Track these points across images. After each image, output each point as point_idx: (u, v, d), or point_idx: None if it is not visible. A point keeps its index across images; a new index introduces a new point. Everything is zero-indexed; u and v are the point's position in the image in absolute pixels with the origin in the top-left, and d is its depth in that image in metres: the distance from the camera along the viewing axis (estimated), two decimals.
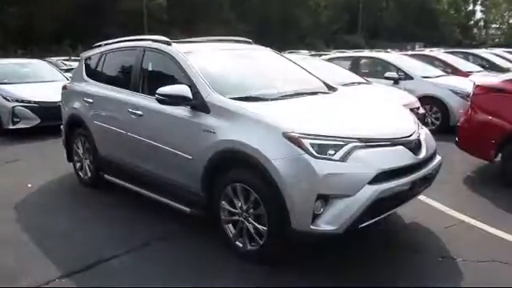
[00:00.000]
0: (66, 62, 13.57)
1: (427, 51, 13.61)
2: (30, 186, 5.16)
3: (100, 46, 5.13)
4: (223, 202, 3.28)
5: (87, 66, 5.06)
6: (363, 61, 9.16)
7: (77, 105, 4.90)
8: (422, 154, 3.14)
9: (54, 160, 6.38)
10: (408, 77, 7.97)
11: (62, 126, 5.51)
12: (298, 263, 3.19)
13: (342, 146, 2.80)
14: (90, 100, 4.65)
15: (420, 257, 3.25)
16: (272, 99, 3.47)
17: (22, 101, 8.03)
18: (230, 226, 3.28)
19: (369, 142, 2.89)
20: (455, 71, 9.58)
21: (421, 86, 7.70)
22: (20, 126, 8.01)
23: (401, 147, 3.01)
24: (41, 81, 8.94)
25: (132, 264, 3.27)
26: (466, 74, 9.34)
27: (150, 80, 4.12)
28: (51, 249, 3.51)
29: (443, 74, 8.72)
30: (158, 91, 3.44)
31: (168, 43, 4.01)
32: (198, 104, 3.40)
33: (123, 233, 3.77)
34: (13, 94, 8.10)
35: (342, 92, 4.08)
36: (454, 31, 72.98)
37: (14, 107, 7.94)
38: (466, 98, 7.28)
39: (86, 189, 5.01)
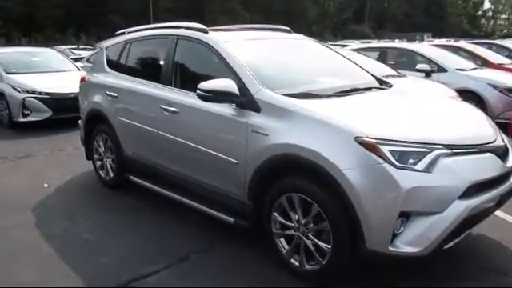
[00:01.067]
0: (74, 51, 13.11)
1: (452, 42, 13.06)
2: (46, 186, 4.78)
3: (123, 33, 4.70)
4: (275, 214, 2.88)
5: (109, 57, 4.64)
6: (391, 52, 8.68)
7: (98, 99, 4.48)
8: (510, 161, 2.72)
9: (69, 156, 6.01)
10: (441, 69, 7.50)
11: (79, 121, 5.11)
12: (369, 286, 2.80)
13: (426, 154, 2.39)
14: (114, 94, 4.23)
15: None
16: (327, 96, 3.05)
17: (33, 92, 7.61)
18: (283, 240, 2.89)
19: (455, 149, 2.47)
20: (486, 63, 9.10)
21: (456, 79, 7.24)
22: (31, 118, 7.60)
23: (489, 154, 2.59)
24: (52, 71, 8.51)
25: (173, 282, 2.88)
26: (498, 66, 8.88)
27: (184, 73, 3.71)
28: (78, 262, 3.12)
29: (476, 66, 8.25)
30: (199, 86, 3.02)
31: (205, 31, 3.58)
32: (246, 101, 2.98)
33: (156, 244, 3.38)
34: (23, 84, 7.68)
35: (399, 88, 3.65)
36: (462, 21, 72.02)
37: (24, 99, 7.53)
38: (506, 93, 6.89)
39: (107, 190, 4.62)
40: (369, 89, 3.45)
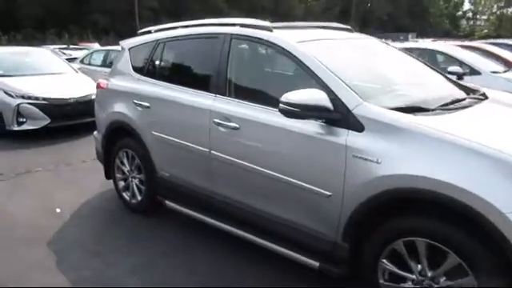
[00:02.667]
0: (64, 51, 12.22)
1: (466, 42, 12.67)
2: (58, 211, 4.07)
3: (148, 32, 4.02)
4: (384, 261, 2.27)
5: (134, 59, 3.94)
6: (417, 53, 8.16)
7: (123, 108, 3.79)
8: None
9: (76, 171, 5.28)
10: (474, 72, 7.02)
11: (95, 133, 4.40)
12: None
13: None
14: (146, 103, 3.55)
15: None
16: (436, 110, 2.45)
17: (29, 97, 6.81)
18: None
19: None
20: (508, 64, 8.68)
21: (492, 82, 6.74)
22: (26, 127, 6.80)
23: None
24: (47, 73, 7.71)
25: None
26: None
27: (243, 80, 3.08)
28: None
29: (506, 68, 7.80)
30: (284, 99, 2.38)
31: (269, 29, 2.94)
32: (341, 117, 2.36)
33: None
34: (17, 88, 6.87)
35: (498, 98, 3.09)
36: (443, 22, 72.77)
37: (18, 105, 6.72)
38: None
39: (135, 216, 3.93)
40: (463, 99, 2.87)
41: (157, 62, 3.68)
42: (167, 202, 3.55)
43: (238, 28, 3.11)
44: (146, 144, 3.59)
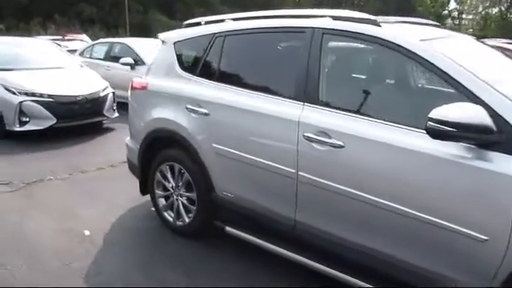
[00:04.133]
0: (59, 43, 11.40)
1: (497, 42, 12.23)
2: (87, 233, 3.45)
3: (197, 24, 3.41)
4: None
5: (181, 55, 3.34)
6: None
7: (170, 114, 3.18)
8: None
9: (95, 180, 4.66)
10: None
11: (128, 141, 3.78)
12: None
13: None
14: (203, 110, 2.95)
15: None
16: None
17: (33, 94, 6.09)
18: None
19: None
20: None
21: None
22: (30, 127, 6.08)
23: None
24: (49, 67, 6.96)
25: None
26: None
27: (342, 86, 2.52)
28: None
29: None
30: (434, 116, 1.83)
31: (375, 23, 2.37)
32: (504, 140, 1.83)
33: None
34: (19, 84, 6.14)
35: None
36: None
37: (21, 103, 6.00)
38: None
39: (179, 240, 3.34)
40: None
41: (215, 60, 3.08)
42: (228, 228, 2.97)
43: (330, 21, 2.54)
44: (202, 158, 3.00)
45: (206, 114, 2.93)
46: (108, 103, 6.85)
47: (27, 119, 6.05)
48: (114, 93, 7.06)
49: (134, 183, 4.26)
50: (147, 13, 39.60)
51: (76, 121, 6.43)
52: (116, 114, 7.12)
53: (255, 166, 2.67)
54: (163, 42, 3.52)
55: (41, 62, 6.98)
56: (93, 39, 22.17)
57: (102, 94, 6.73)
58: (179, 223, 3.35)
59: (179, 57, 3.34)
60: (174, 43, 3.41)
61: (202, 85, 3.05)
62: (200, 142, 2.98)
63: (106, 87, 6.95)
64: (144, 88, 3.47)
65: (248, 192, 2.80)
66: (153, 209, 3.81)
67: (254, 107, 2.68)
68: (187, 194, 3.25)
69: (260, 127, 2.65)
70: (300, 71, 2.54)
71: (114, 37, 28.66)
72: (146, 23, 38.01)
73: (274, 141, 2.58)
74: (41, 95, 6.11)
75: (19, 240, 3.31)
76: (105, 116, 6.85)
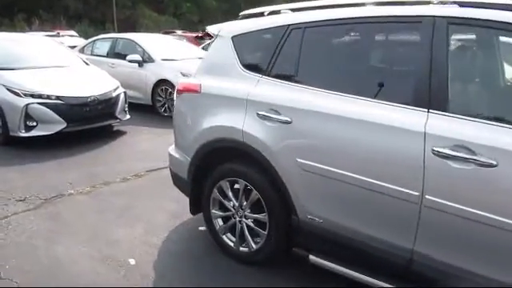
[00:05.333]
0: (54, 39, 10.66)
1: None
2: (133, 262, 2.93)
3: (260, 14, 2.90)
4: None
5: (244, 51, 2.82)
6: None
7: (235, 122, 2.67)
8: None
9: (123, 195, 4.14)
10: None
11: (172, 150, 3.26)
12: None
13: None
14: (283, 117, 2.44)
15: None
16: None
17: (40, 95, 5.48)
18: None
19: None
20: None
21: None
22: (37, 132, 5.48)
23: None
24: (54, 65, 6.34)
25: None
26: None
27: (481, 88, 2.03)
28: None
29: None
30: None
31: None
32: None
33: None
34: (23, 85, 5.52)
35: None
36: None
37: (27, 105, 5.39)
38: None
39: (242, 269, 2.84)
40: None
41: (292, 57, 2.56)
42: (313, 258, 2.48)
43: (456, 8, 2.06)
44: (279, 174, 2.49)
45: (287, 122, 2.43)
46: (120, 104, 6.27)
47: (34, 123, 5.45)
48: (125, 92, 6.48)
49: (170, 197, 3.81)
50: (135, 8, 38.62)
51: (87, 124, 5.86)
52: (128, 116, 6.56)
53: (358, 186, 2.19)
54: (218, 35, 3.00)
55: (45, 60, 6.35)
56: (80, 36, 21.32)
57: (113, 95, 6.16)
58: (243, 249, 2.85)
59: (240, 53, 2.82)
60: (233, 37, 2.88)
61: (278, 87, 2.55)
62: (278, 156, 2.48)
63: (118, 87, 6.37)
64: (196, 91, 2.94)
65: (345, 217, 2.31)
66: (202, 228, 3.33)
67: (356, 114, 2.19)
68: (254, 215, 2.75)
69: (366, 139, 2.16)
70: (418, 71, 2.06)
71: (101, 33, 27.85)
72: (133, 18, 37.07)
73: (386, 156, 2.09)
74: (48, 97, 5.51)
75: (53, 274, 2.77)
76: (117, 118, 6.27)
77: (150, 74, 7.67)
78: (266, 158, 2.53)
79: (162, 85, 7.54)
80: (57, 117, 5.50)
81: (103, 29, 33.59)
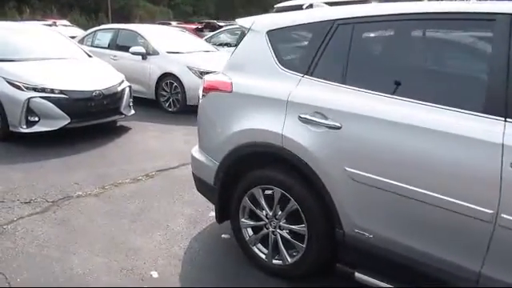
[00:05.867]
0: (53, 29, 10.31)
1: None
2: (155, 275, 2.71)
3: (299, 7, 2.67)
4: None
5: (281, 48, 2.59)
6: None
7: (272, 125, 2.44)
8: None
9: (135, 197, 3.89)
10: None
11: (197, 155, 3.03)
12: None
13: None
14: (331, 122, 2.21)
15: None
16: None
17: (43, 89, 5.19)
18: None
19: None
20: None
21: None
22: (39, 128, 5.19)
23: None
24: (56, 57, 6.03)
25: None
26: None
27: None
28: None
29: None
30: None
31: None
32: None
33: None
34: (25, 78, 5.22)
35: None
36: None
37: (29, 99, 5.10)
38: None
39: (278, 282, 2.63)
40: None
41: (339, 55, 2.34)
42: (359, 275, 2.27)
43: None
44: (324, 183, 2.27)
45: (335, 128, 2.20)
46: (125, 99, 6.00)
47: (36, 119, 5.16)
48: (130, 87, 6.20)
49: (185, 200, 3.62)
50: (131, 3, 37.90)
51: (92, 120, 5.58)
52: (133, 112, 6.29)
53: (419, 201, 1.98)
54: (250, 29, 2.76)
55: (46, 51, 6.04)
56: (72, 25, 20.81)
57: (119, 89, 5.87)
58: (276, 262, 2.63)
59: (277, 50, 2.58)
60: (268, 32, 2.64)
61: (323, 88, 2.32)
62: (323, 164, 2.26)
63: (123, 81, 6.09)
64: (227, 90, 2.70)
65: (401, 233, 2.10)
66: (225, 236, 3.12)
67: (418, 121, 1.97)
68: (291, 226, 2.53)
69: (430, 149, 1.94)
70: (493, 74, 1.85)
71: (94, 23, 27.25)
72: (127, 8, 36.43)
73: (455, 169, 1.88)
74: (51, 90, 5.21)
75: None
76: (122, 114, 6.00)
77: (154, 67, 7.38)
78: (309, 165, 2.31)
79: (167, 79, 7.26)
80: (60, 112, 5.21)
81: (96, 19, 32.98)
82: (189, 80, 7.01)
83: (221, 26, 14.81)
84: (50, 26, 11.55)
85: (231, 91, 2.68)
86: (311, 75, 2.40)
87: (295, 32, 2.56)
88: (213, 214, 3.48)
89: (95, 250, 2.95)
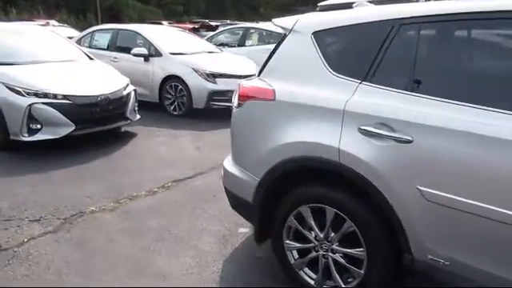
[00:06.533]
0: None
1: None
2: None
3: (347, 5, 2.41)
4: None
5: (331, 51, 2.33)
6: None
7: (327, 138, 2.17)
8: None
9: (153, 212, 3.59)
10: None
11: (228, 166, 2.75)
12: None
13: None
14: (400, 135, 1.95)
15: None
16: None
17: (45, 95, 4.86)
18: None
19: None
20: None
21: None
22: (42, 136, 4.86)
23: None
24: (56, 60, 5.69)
25: None
26: None
27: None
28: None
29: None
30: None
31: None
32: None
33: None
34: (25, 82, 4.89)
35: None
36: None
37: (31, 105, 4.77)
38: None
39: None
40: None
41: (404, 60, 2.09)
42: None
43: None
44: (390, 204, 2.02)
45: (406, 141, 1.95)
46: (131, 104, 5.69)
47: (39, 126, 4.83)
48: (135, 90, 5.89)
49: (208, 214, 3.44)
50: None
51: (97, 126, 5.27)
52: (138, 117, 5.98)
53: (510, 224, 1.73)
54: (290, 31, 2.49)
55: (47, 54, 5.70)
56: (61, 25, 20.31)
57: (124, 93, 5.57)
58: None
59: (326, 53, 2.32)
60: (314, 33, 2.38)
61: (387, 95, 2.06)
62: (390, 181, 2.00)
63: (128, 84, 5.78)
64: (269, 98, 2.43)
65: (487, 261, 1.86)
66: (260, 255, 2.86)
67: (508, 134, 1.72)
68: (346, 250, 2.27)
69: None
70: None
71: (84, 24, 26.71)
72: (116, 7, 35.82)
73: None
74: (55, 96, 4.89)
75: None
76: (128, 119, 5.69)
77: (158, 69, 7.07)
78: (372, 183, 2.05)
79: (171, 81, 6.96)
80: (64, 118, 4.89)
81: (84, 19, 32.36)
82: (194, 82, 6.72)
83: (217, 26, 14.51)
84: (43, 26, 11.13)
85: (274, 99, 2.41)
86: (370, 82, 2.14)
87: (346, 33, 2.29)
88: (242, 230, 3.24)
89: (120, 276, 2.67)
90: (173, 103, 7.04)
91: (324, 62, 2.30)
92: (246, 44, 9.79)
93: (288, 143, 2.33)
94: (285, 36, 2.57)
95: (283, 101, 2.39)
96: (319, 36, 2.37)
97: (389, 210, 2.04)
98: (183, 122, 6.62)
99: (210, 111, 6.82)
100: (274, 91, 2.42)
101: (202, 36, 10.58)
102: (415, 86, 2.02)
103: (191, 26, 14.59)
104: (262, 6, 49.99)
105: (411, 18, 2.08)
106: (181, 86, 6.83)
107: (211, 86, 6.71)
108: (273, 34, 9.35)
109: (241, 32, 10.18)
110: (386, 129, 2.00)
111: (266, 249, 2.70)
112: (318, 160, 2.22)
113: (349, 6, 2.41)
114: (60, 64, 5.57)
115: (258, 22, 13.38)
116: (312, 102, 2.28)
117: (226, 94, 6.76)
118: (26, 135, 4.81)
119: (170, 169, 4.58)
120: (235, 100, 2.65)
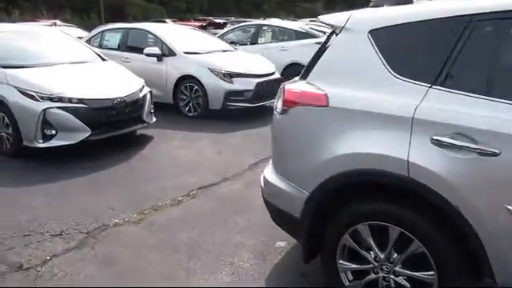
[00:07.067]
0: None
1: None
2: None
3: (407, 1, 2.17)
4: None
5: (391, 52, 2.09)
6: None
7: (390, 149, 1.94)
8: None
9: (180, 223, 3.35)
10: None
11: (270, 177, 2.52)
12: None
13: None
14: (484, 147, 1.72)
15: None
16: None
17: (60, 99, 4.63)
18: None
19: None
20: None
21: None
22: (57, 142, 4.64)
23: None
24: (69, 62, 5.45)
25: None
26: None
27: None
28: None
29: None
30: None
31: None
32: None
33: None
34: (39, 86, 4.66)
35: None
36: None
37: (45, 110, 4.54)
38: None
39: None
40: None
41: (483, 60, 1.85)
42: None
43: None
44: (470, 223, 1.78)
45: (490, 154, 1.71)
46: (147, 106, 5.47)
47: (53, 132, 4.61)
48: (151, 92, 5.66)
49: (241, 226, 3.25)
50: None
51: (113, 131, 5.04)
52: (154, 119, 5.74)
53: None
54: (342, 29, 2.25)
55: (60, 56, 5.46)
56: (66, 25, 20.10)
57: (140, 95, 5.34)
58: None
59: (386, 54, 2.08)
60: (371, 32, 2.14)
61: (463, 101, 1.82)
62: (470, 199, 1.77)
63: (143, 86, 5.55)
64: (320, 104, 2.19)
65: None
66: (303, 272, 2.63)
67: None
68: (413, 273, 2.04)
69: None
70: None
71: (87, 23, 26.49)
72: (119, 6, 35.53)
73: None
74: (69, 100, 4.66)
75: None
76: (145, 122, 5.46)
77: (172, 70, 6.84)
78: (448, 200, 1.81)
79: (186, 81, 6.73)
80: (80, 123, 4.66)
81: (88, 19, 32.11)
82: (210, 82, 6.49)
83: (225, 24, 14.26)
84: (49, 26, 10.91)
85: (327, 105, 2.17)
86: (442, 85, 1.90)
87: (410, 31, 2.05)
88: (280, 244, 3.03)
89: None
90: (187, 104, 6.81)
91: (384, 63, 2.07)
92: (259, 42, 9.54)
93: (343, 155, 2.09)
94: (332, 34, 2.33)
95: (338, 107, 2.15)
96: (377, 34, 2.13)
97: (468, 230, 1.80)
98: (199, 124, 6.39)
99: (224, 112, 6.60)
100: (326, 96, 2.18)
101: (212, 34, 10.33)
102: (499, 90, 1.78)
103: (198, 23, 14.31)
104: (266, 3, 49.59)
105: (489, 13, 1.84)
106: (196, 87, 6.60)
107: (228, 86, 6.48)
108: (286, 31, 9.12)
109: (253, 29, 9.92)
110: (466, 140, 1.77)
111: (309, 265, 2.47)
112: (381, 174, 1.99)
113: (409, 1, 2.17)
114: (73, 66, 5.34)
115: (264, 19, 13.15)
116: (372, 109, 2.04)
117: (242, 94, 6.56)
118: (41, 141, 4.59)
119: (191, 174, 4.36)
120: (279, 105, 2.41)
